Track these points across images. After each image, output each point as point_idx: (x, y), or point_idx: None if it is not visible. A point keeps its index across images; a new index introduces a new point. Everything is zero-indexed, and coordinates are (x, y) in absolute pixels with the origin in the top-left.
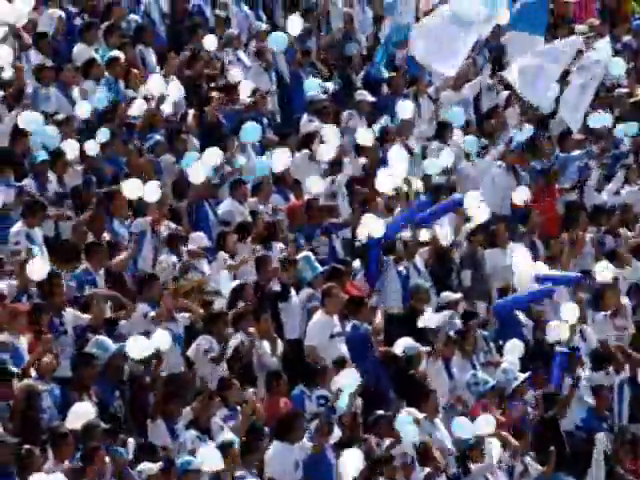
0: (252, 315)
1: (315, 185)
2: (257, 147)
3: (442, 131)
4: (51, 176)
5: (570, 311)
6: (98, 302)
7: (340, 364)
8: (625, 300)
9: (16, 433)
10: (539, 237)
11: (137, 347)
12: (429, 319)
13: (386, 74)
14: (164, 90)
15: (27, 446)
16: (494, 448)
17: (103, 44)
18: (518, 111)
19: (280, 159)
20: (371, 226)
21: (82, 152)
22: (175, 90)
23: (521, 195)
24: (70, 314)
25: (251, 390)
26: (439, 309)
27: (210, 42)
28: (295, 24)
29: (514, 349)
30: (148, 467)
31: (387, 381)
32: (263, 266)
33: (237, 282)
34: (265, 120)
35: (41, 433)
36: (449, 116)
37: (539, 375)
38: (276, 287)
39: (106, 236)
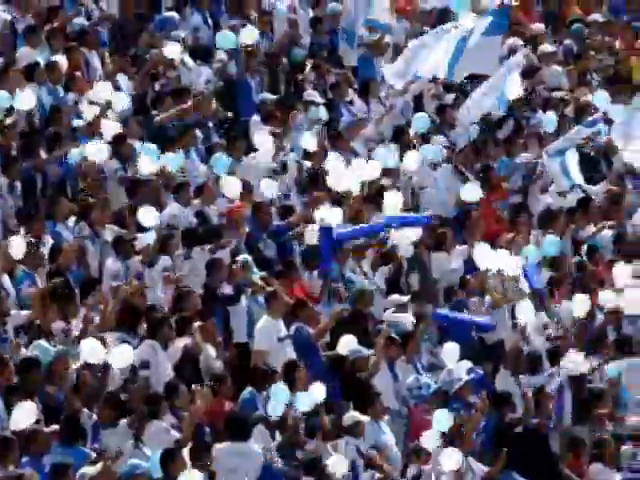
0: (197, 319)
1: (269, 188)
2: (202, 151)
3: (399, 135)
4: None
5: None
6: (37, 300)
7: (291, 368)
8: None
9: None
10: (482, 239)
11: (93, 352)
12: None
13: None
14: (110, 96)
15: None
16: (449, 457)
17: (47, 47)
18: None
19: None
20: (327, 215)
21: (25, 152)
22: (121, 96)
23: (471, 192)
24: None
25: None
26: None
27: (172, 50)
28: (248, 33)
29: (451, 353)
30: (88, 470)
31: (334, 384)
32: (214, 269)
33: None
34: (210, 124)
35: None
36: (415, 123)
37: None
38: (226, 290)
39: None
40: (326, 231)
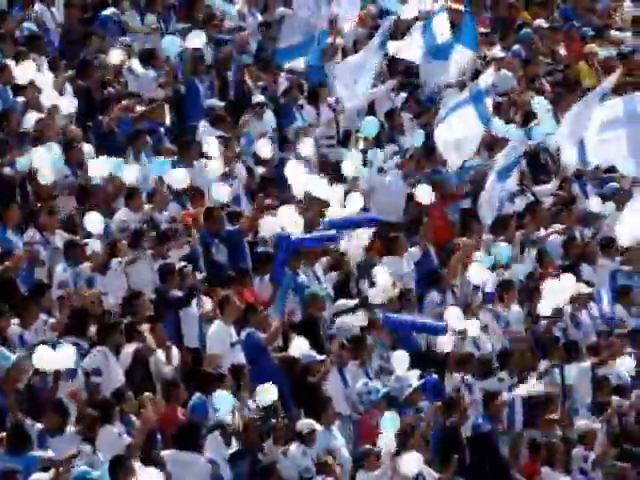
0: (147, 324)
1: (221, 193)
2: (152, 155)
3: (345, 139)
4: None
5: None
6: None
7: (238, 372)
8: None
9: None
10: (432, 243)
11: (44, 359)
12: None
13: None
14: (57, 100)
15: None
16: (409, 461)
17: None
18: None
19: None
20: (289, 222)
21: None
22: (68, 100)
23: (424, 194)
24: None
25: (147, 395)
26: (335, 317)
27: (115, 55)
28: (195, 37)
29: (401, 360)
30: (40, 477)
31: (286, 388)
32: (166, 274)
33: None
34: (161, 129)
35: None
36: (364, 129)
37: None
38: (177, 293)
39: None
40: (283, 239)
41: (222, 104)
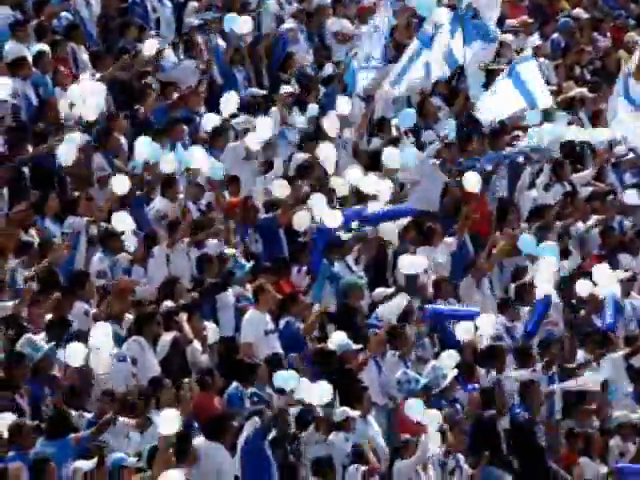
0: (184, 313)
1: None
2: (188, 145)
3: (382, 127)
4: None
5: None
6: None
7: (276, 362)
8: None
9: None
10: (471, 234)
11: (75, 354)
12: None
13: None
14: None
15: None
16: (429, 443)
17: (34, 42)
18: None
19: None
20: (327, 216)
21: (12, 149)
22: (99, 90)
23: (472, 182)
24: None
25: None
26: (373, 306)
27: (150, 45)
28: (244, 23)
29: (450, 358)
30: (82, 464)
31: (321, 378)
32: (204, 264)
33: (166, 277)
34: (197, 118)
35: None
36: (400, 120)
37: (473, 372)
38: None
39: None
40: (322, 231)
41: (261, 93)
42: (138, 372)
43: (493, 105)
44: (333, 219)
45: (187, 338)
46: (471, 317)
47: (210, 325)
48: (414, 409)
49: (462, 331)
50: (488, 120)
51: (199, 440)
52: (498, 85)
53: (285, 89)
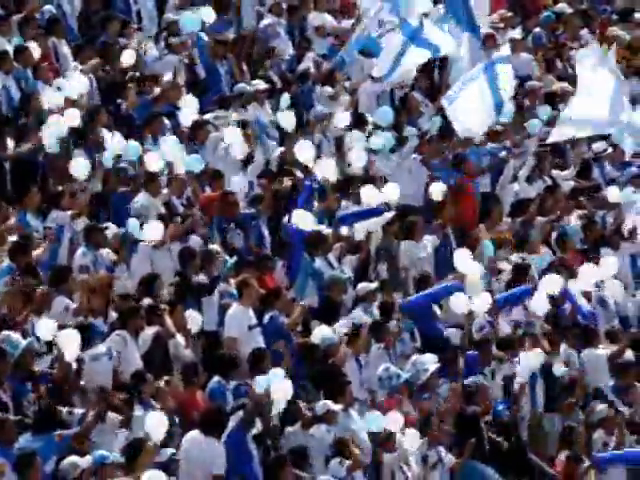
0: (168, 307)
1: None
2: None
3: (359, 122)
4: None
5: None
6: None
7: (259, 357)
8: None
9: None
10: (454, 228)
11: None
12: None
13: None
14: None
15: None
16: (409, 438)
17: (16, 35)
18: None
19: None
20: (301, 220)
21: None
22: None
23: (438, 190)
24: None
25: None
26: (356, 300)
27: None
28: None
29: (429, 361)
30: (80, 460)
31: (304, 372)
32: (187, 258)
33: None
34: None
35: None
36: (377, 116)
37: (453, 367)
38: (201, 278)
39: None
40: (297, 236)
41: (251, 89)
42: (120, 366)
43: (465, 114)
44: (305, 222)
45: (169, 332)
46: (456, 290)
47: (192, 313)
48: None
49: (456, 304)
50: (461, 131)
51: (193, 434)
52: (471, 87)
53: (259, 85)
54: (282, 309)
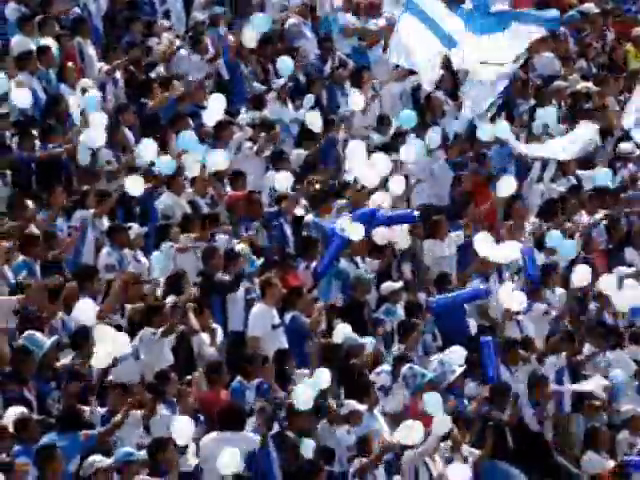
0: (193, 306)
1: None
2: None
3: (382, 125)
4: None
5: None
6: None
7: (282, 356)
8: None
9: None
10: (479, 227)
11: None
12: None
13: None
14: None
15: None
16: (437, 433)
17: (38, 35)
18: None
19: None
20: (350, 229)
21: (21, 143)
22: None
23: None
24: None
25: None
26: (381, 300)
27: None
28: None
29: (457, 355)
30: (103, 460)
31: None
32: (210, 257)
33: (172, 271)
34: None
35: None
36: (401, 120)
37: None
38: (224, 277)
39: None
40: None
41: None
42: (149, 364)
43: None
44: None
45: (193, 329)
46: (482, 294)
47: (215, 326)
48: (431, 404)
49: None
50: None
51: (212, 434)
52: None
53: (279, 83)
54: (303, 309)
